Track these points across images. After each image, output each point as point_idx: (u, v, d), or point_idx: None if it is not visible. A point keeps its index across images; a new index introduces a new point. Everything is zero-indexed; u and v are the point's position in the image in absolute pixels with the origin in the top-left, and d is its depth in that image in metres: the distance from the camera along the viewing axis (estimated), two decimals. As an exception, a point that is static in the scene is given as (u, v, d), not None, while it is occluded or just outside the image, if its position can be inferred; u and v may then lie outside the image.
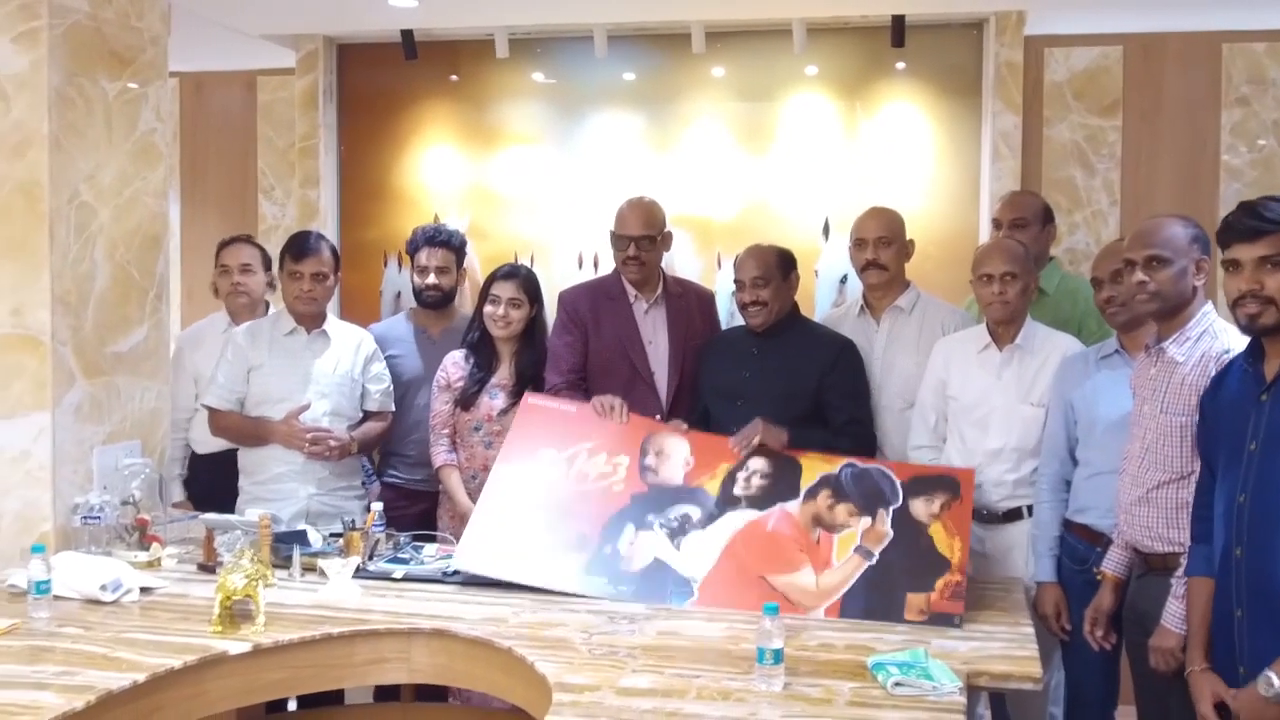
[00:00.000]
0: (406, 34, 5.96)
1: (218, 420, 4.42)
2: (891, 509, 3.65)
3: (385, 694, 4.21)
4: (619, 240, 4.44)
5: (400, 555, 3.91)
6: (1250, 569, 2.74)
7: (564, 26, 5.99)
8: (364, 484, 4.57)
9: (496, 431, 4.32)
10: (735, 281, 4.21)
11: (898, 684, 2.75)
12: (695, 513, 3.77)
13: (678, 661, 3.00)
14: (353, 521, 3.93)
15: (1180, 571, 3.11)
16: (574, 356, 4.35)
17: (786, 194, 5.95)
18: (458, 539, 3.99)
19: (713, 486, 3.83)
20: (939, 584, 3.46)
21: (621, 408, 4.02)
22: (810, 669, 2.92)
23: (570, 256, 6.13)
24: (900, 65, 5.86)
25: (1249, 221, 2.81)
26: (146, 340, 4.31)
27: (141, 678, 2.87)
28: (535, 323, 4.47)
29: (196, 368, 4.70)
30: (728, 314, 5.20)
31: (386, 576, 3.71)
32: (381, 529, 3.93)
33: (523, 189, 6.22)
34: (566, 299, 4.56)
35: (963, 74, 5.82)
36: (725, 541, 3.69)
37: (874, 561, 3.55)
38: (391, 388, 4.59)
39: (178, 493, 4.69)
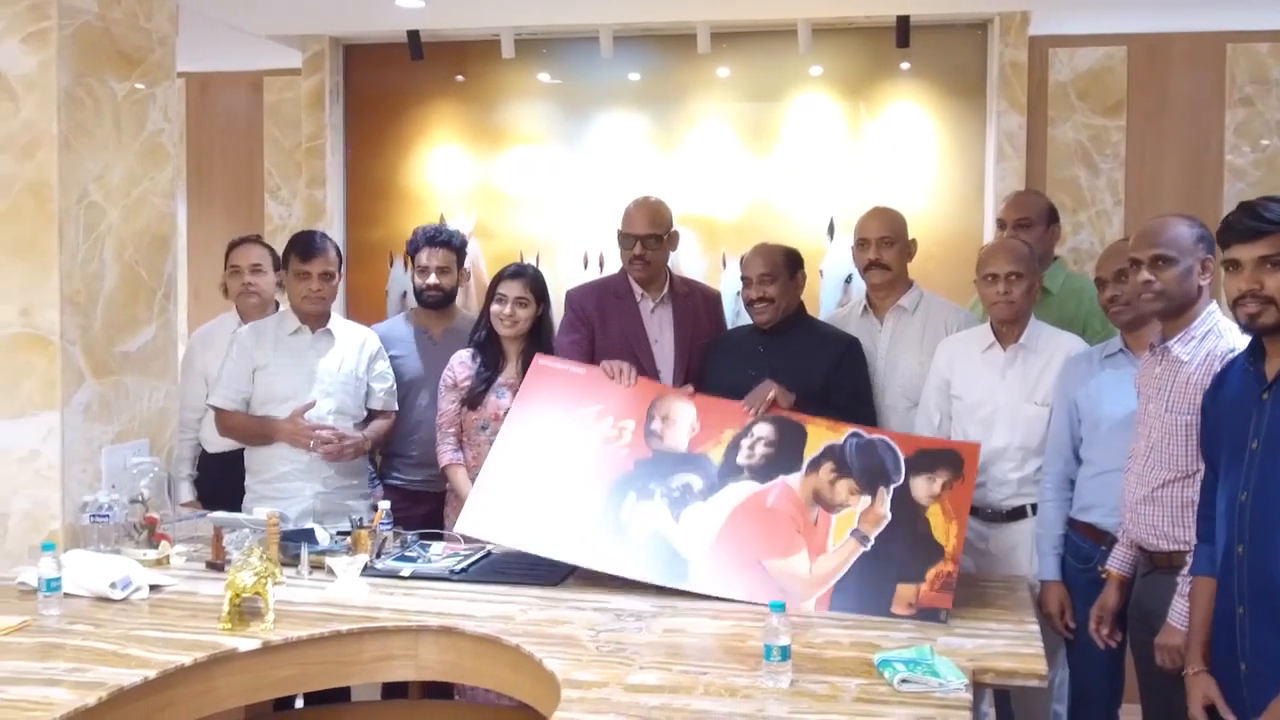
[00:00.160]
0: (413, 34, 5.97)
1: (224, 420, 4.44)
2: (892, 488, 3.66)
3: (392, 691, 4.23)
4: (625, 239, 4.46)
5: (408, 553, 3.93)
6: (1252, 567, 2.76)
7: (569, 27, 6.00)
8: (369, 481, 4.59)
9: (503, 430, 4.34)
10: (742, 278, 4.26)
11: (904, 680, 2.76)
12: (697, 482, 3.80)
13: (685, 658, 3.01)
14: (360, 520, 3.96)
15: (1186, 570, 3.12)
16: (580, 355, 4.36)
17: (791, 194, 5.96)
18: (464, 537, 4.03)
19: (716, 454, 3.85)
20: (930, 574, 3.47)
21: (630, 370, 4.07)
22: (817, 666, 2.93)
23: (576, 256, 6.15)
24: (905, 65, 5.88)
25: (1248, 221, 2.82)
26: (155, 340, 4.33)
27: (152, 674, 2.88)
28: (542, 322, 4.48)
29: (207, 368, 4.70)
30: (733, 314, 5.22)
31: (394, 574, 3.73)
32: (389, 527, 3.95)
33: (529, 189, 6.24)
34: (573, 297, 4.59)
35: (967, 74, 5.83)
36: (724, 518, 3.72)
37: (869, 548, 3.57)
38: (395, 386, 4.60)
39: (188, 492, 4.70)
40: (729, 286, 5.67)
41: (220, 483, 4.61)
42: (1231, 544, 2.81)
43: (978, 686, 2.92)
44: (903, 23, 5.60)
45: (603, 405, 4.00)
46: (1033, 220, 4.67)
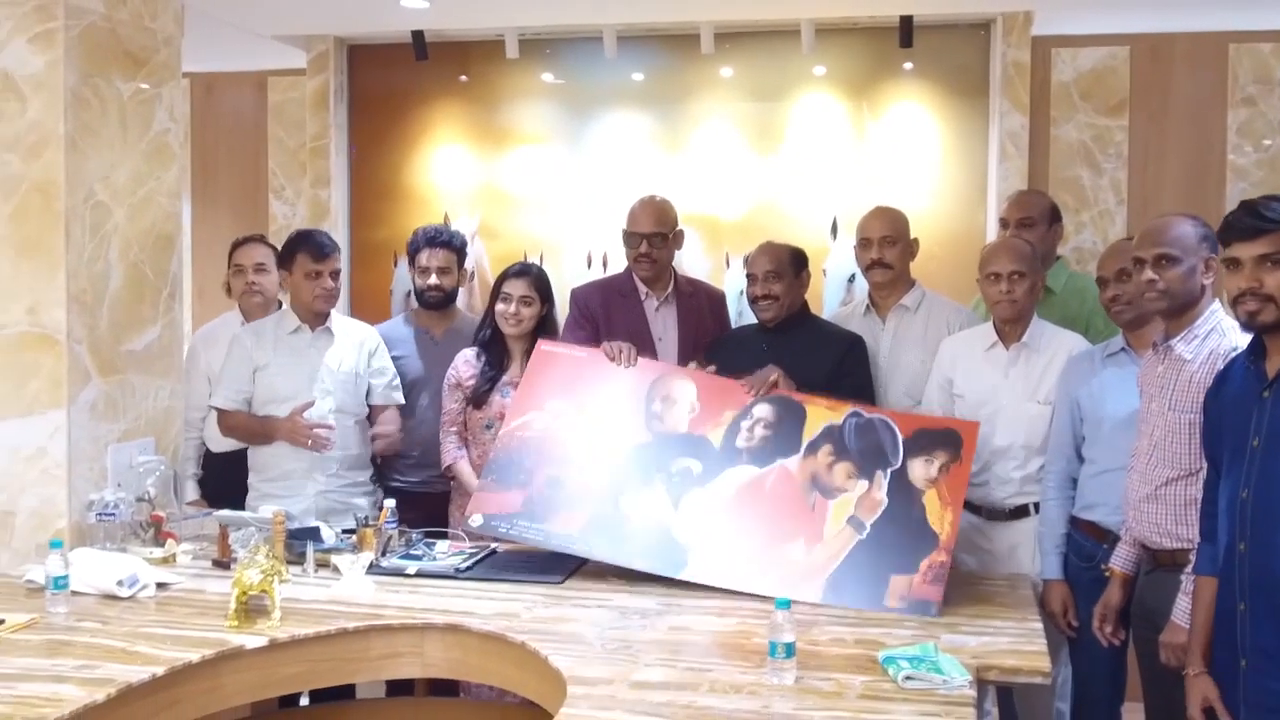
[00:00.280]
0: (417, 35, 5.99)
1: (225, 420, 4.47)
2: (890, 471, 3.67)
3: (397, 689, 4.24)
4: (630, 237, 4.49)
5: (413, 552, 3.95)
6: (1253, 564, 2.77)
7: (574, 27, 6.01)
8: (372, 479, 4.59)
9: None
10: (748, 275, 4.29)
11: (908, 678, 2.77)
12: (696, 466, 3.82)
13: (690, 655, 3.02)
14: (365, 518, 3.97)
15: (1190, 568, 3.14)
16: (585, 353, 4.38)
17: (795, 194, 5.97)
18: (470, 535, 4.05)
19: (716, 436, 3.87)
20: (923, 565, 3.49)
21: (630, 351, 4.09)
22: (821, 663, 2.94)
23: (580, 256, 6.16)
24: (908, 65, 5.88)
25: (1249, 220, 2.83)
26: (160, 339, 4.34)
27: (160, 671, 2.90)
28: (546, 321, 4.49)
29: (211, 367, 4.71)
30: (736, 314, 5.24)
31: (400, 572, 3.74)
32: (394, 525, 3.96)
33: (533, 189, 6.26)
34: (579, 295, 4.62)
35: (970, 74, 5.84)
36: (723, 505, 3.75)
37: (864, 536, 3.59)
38: (398, 380, 4.60)
39: (193, 491, 4.71)
40: (733, 286, 5.68)
41: (225, 481, 4.62)
42: (1233, 541, 2.82)
43: (982, 684, 2.93)
44: (906, 23, 5.61)
45: (604, 389, 4.02)
46: (1035, 219, 4.68)
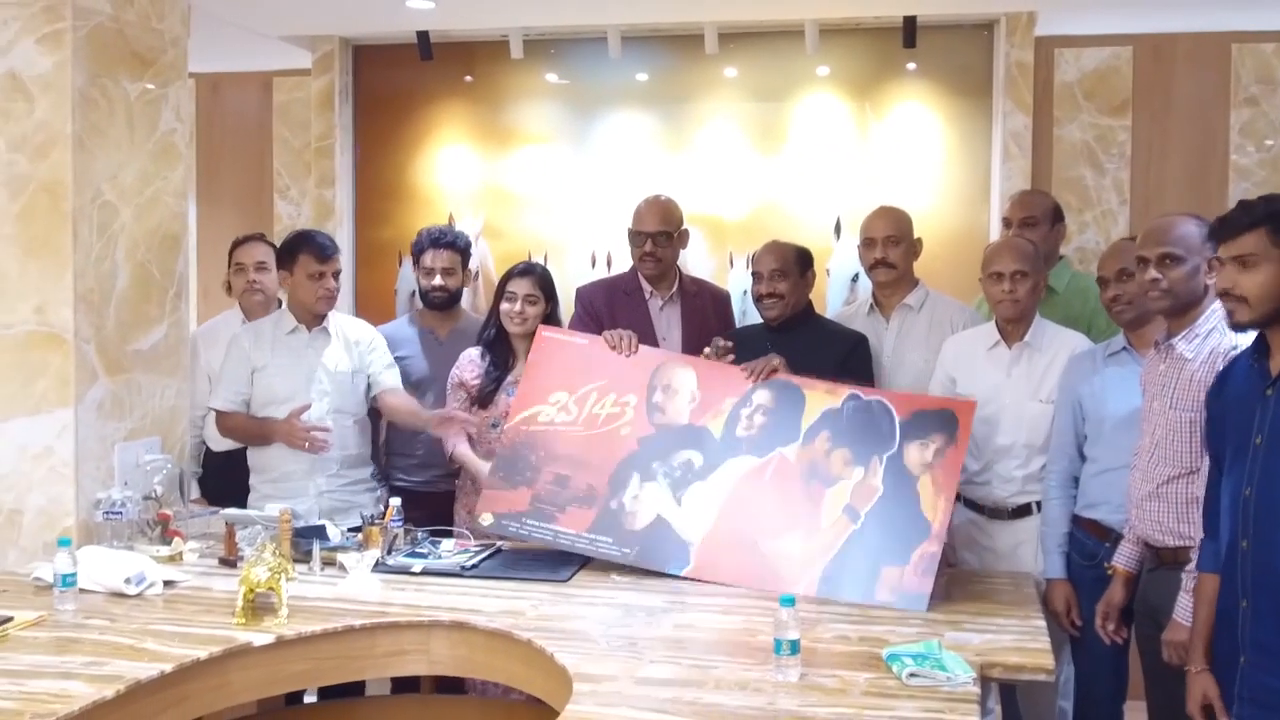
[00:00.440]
0: (422, 35, 6.00)
1: (223, 421, 4.49)
2: (886, 456, 3.69)
3: (402, 686, 4.25)
4: (636, 236, 4.51)
5: (418, 550, 3.96)
6: (1255, 561, 2.78)
7: (578, 27, 6.03)
8: (373, 476, 4.60)
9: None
10: (753, 274, 4.32)
11: (912, 675, 2.78)
12: (697, 459, 3.86)
13: (695, 652, 3.04)
14: (371, 516, 3.99)
15: (1192, 566, 3.15)
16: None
17: (798, 193, 5.99)
18: (475, 533, 4.09)
19: (717, 426, 3.90)
20: (914, 555, 3.52)
21: (631, 339, 4.10)
22: (826, 660, 2.95)
23: (584, 255, 6.17)
24: (911, 66, 5.90)
25: (1232, 218, 2.86)
26: (166, 338, 4.36)
27: (168, 668, 2.91)
28: (550, 320, 4.50)
29: (211, 365, 4.72)
30: (740, 314, 5.25)
31: (405, 571, 3.76)
32: (400, 524, 3.98)
33: (537, 188, 6.27)
34: (583, 294, 4.65)
35: (973, 74, 5.85)
36: (723, 497, 3.79)
37: (859, 526, 3.62)
38: (394, 364, 4.60)
39: (193, 490, 4.72)
40: (736, 286, 5.70)
41: (225, 480, 4.63)
42: (1235, 539, 2.84)
43: (985, 681, 2.94)
44: (909, 23, 5.62)
45: (605, 380, 4.05)
46: (1038, 219, 4.70)
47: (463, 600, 3.48)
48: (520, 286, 4.40)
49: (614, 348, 4.09)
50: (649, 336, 4.44)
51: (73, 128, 3.90)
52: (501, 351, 4.46)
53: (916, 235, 4.45)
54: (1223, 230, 2.88)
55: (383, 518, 3.96)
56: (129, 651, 3.01)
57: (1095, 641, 3.64)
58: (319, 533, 3.88)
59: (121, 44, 4.12)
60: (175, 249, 4.42)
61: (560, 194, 6.24)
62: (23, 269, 3.91)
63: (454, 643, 3.34)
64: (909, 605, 3.43)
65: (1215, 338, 3.30)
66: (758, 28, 5.93)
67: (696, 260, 5.95)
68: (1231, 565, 2.85)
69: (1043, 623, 3.31)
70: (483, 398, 4.41)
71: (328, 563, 3.79)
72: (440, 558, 3.90)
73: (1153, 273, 3.34)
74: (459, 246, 4.81)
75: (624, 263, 4.69)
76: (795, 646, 2.82)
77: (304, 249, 4.43)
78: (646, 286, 4.58)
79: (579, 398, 4.03)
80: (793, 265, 4.25)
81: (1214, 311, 3.32)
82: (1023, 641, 3.13)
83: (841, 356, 4.16)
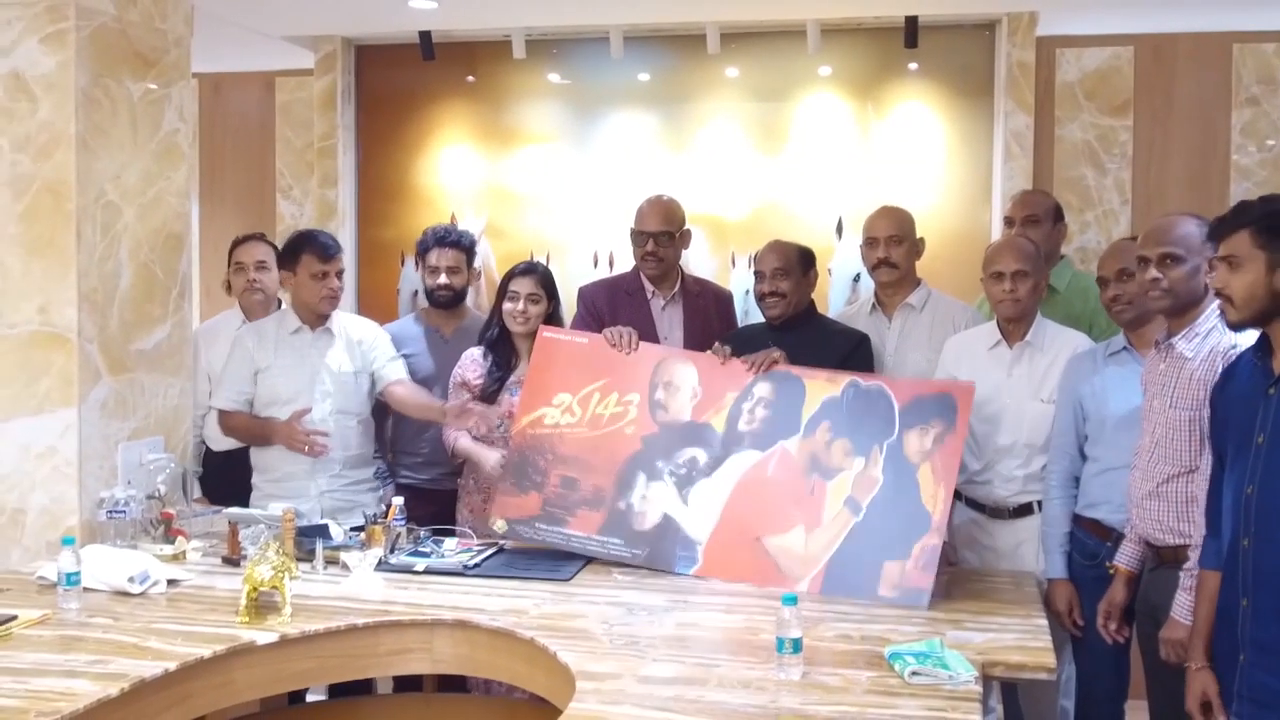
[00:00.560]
0: (424, 35, 6.01)
1: (226, 421, 4.50)
2: (885, 444, 3.71)
3: (403, 684, 4.26)
4: (638, 236, 4.53)
5: (421, 549, 3.97)
6: (1257, 560, 2.79)
7: (580, 27, 6.04)
8: (377, 475, 4.61)
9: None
10: (755, 273, 4.33)
11: (914, 673, 2.79)
12: (702, 456, 3.89)
13: (697, 651, 3.04)
14: (374, 515, 3.99)
15: (1189, 564, 3.16)
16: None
17: (800, 193, 5.99)
18: (478, 532, 4.11)
19: (719, 421, 3.92)
20: (915, 549, 3.54)
21: (631, 336, 4.12)
22: (828, 658, 2.96)
23: (586, 255, 6.18)
24: (913, 66, 5.90)
25: (1225, 219, 2.90)
26: (169, 338, 4.37)
27: (172, 666, 2.92)
28: (552, 319, 4.50)
29: (211, 364, 4.73)
30: (742, 313, 5.25)
31: (408, 569, 3.77)
32: (402, 523, 3.99)
33: (539, 188, 6.28)
34: (586, 294, 4.67)
35: (975, 74, 5.86)
36: (728, 494, 3.82)
37: (860, 518, 3.65)
38: (398, 357, 4.60)
39: (195, 489, 4.73)
40: (738, 286, 5.70)
41: (225, 480, 4.64)
42: (1237, 537, 2.84)
43: (987, 679, 2.95)
44: (911, 23, 5.63)
45: (607, 379, 4.07)
46: (1040, 217, 4.71)
47: (465, 599, 3.49)
48: (523, 285, 4.41)
49: (614, 345, 4.10)
50: (651, 336, 4.45)
51: (76, 128, 3.91)
52: (504, 351, 4.47)
53: (919, 235, 4.45)
54: (1218, 230, 2.91)
55: (385, 517, 3.97)
56: (133, 650, 3.02)
57: (1096, 641, 3.65)
58: (322, 532, 3.89)
59: (125, 44, 4.12)
60: (178, 249, 4.43)
61: (562, 194, 6.24)
62: (26, 269, 3.92)
63: (457, 641, 3.35)
64: (911, 601, 3.45)
65: (1215, 337, 3.30)
66: (759, 28, 5.94)
67: (698, 260, 5.95)
68: (1232, 563, 2.86)
69: (1044, 622, 3.32)
70: (486, 397, 4.41)
71: (331, 561, 3.79)
72: (443, 557, 3.90)
73: (1153, 272, 3.35)
74: (464, 245, 4.83)
75: (626, 262, 4.70)
76: (798, 645, 2.83)
77: (307, 249, 4.43)
78: (648, 286, 4.59)
79: (582, 398, 4.05)
80: (795, 264, 4.26)
81: (1214, 311, 3.32)
82: (1024, 640, 3.14)
83: (843, 356, 4.16)
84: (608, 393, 4.05)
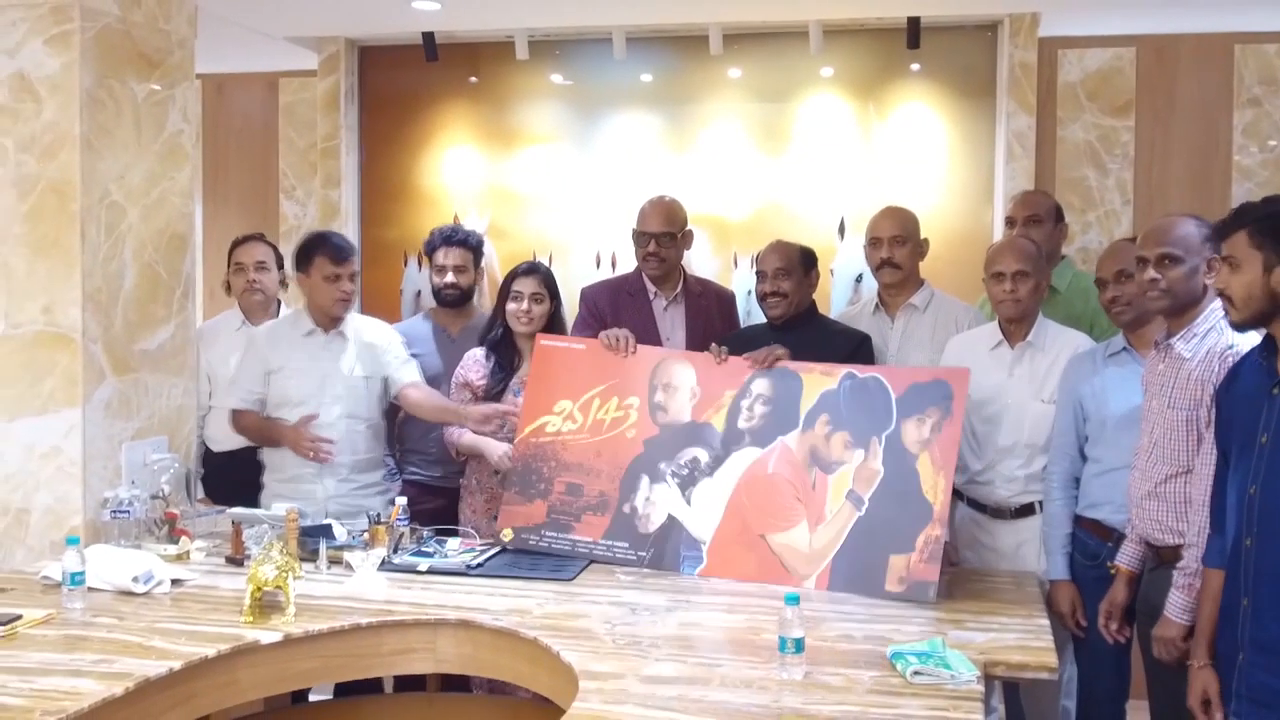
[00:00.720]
0: (427, 36, 6.02)
1: (237, 420, 4.51)
2: (884, 436, 3.72)
3: (406, 684, 4.27)
4: (640, 237, 4.54)
5: (424, 549, 3.98)
6: (1259, 559, 2.79)
7: (583, 28, 6.04)
8: (386, 477, 4.61)
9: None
10: (757, 273, 4.35)
11: (916, 673, 2.79)
12: (703, 455, 3.92)
13: (700, 650, 3.05)
14: (378, 515, 4.00)
15: (1183, 563, 3.18)
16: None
17: (802, 194, 6.00)
18: (480, 531, 4.14)
19: (719, 420, 3.95)
20: (919, 541, 3.55)
21: (628, 339, 4.13)
22: (830, 658, 2.96)
23: (589, 255, 6.19)
24: (915, 66, 5.91)
25: (1226, 220, 2.93)
26: (173, 338, 4.38)
27: (177, 665, 2.93)
28: (554, 318, 4.51)
29: (210, 365, 4.73)
30: (745, 314, 5.26)
31: (412, 569, 3.78)
32: (405, 523, 4.00)
33: (542, 189, 6.29)
34: (588, 294, 4.68)
35: (977, 75, 5.86)
36: (730, 492, 3.84)
37: (863, 512, 3.66)
38: (411, 360, 4.58)
39: (198, 489, 4.73)
40: (741, 286, 5.71)
41: (225, 481, 4.65)
42: (1239, 536, 2.85)
43: (989, 679, 2.96)
44: (913, 24, 5.63)
45: (607, 384, 4.09)
46: (1041, 217, 4.73)
47: (468, 599, 3.50)
48: (526, 285, 4.41)
49: (611, 348, 4.11)
50: (653, 337, 4.46)
51: (80, 128, 3.92)
52: (507, 352, 4.47)
53: (923, 236, 4.46)
54: (1220, 231, 2.93)
55: (389, 517, 3.98)
56: (137, 649, 3.02)
57: (1098, 641, 3.65)
58: (325, 531, 3.90)
59: (129, 45, 4.14)
60: (182, 249, 4.44)
61: (565, 194, 6.25)
62: (31, 269, 3.93)
63: (460, 641, 3.36)
64: (918, 595, 3.47)
65: (1213, 338, 3.31)
66: (762, 28, 5.94)
67: (701, 260, 5.96)
68: (1235, 562, 2.87)
69: (1046, 622, 3.32)
70: (489, 398, 4.41)
71: (334, 561, 3.80)
72: (446, 556, 3.91)
73: (1151, 273, 3.36)
74: (471, 244, 4.85)
75: (629, 263, 4.71)
76: (800, 645, 2.83)
77: (320, 250, 4.42)
78: (651, 287, 4.60)
79: (583, 405, 4.07)
80: (796, 264, 4.27)
81: (1212, 311, 3.34)
82: (1026, 640, 3.14)
83: (845, 356, 4.16)
84: (608, 397, 4.07)
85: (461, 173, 6.37)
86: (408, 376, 4.51)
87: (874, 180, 5.87)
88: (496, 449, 4.24)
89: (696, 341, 4.47)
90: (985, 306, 4.47)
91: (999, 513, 4.02)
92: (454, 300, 4.82)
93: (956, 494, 4.00)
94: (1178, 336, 3.37)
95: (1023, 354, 4.00)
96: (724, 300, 4.81)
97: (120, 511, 3.95)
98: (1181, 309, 3.37)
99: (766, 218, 5.98)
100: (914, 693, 2.74)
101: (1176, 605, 3.17)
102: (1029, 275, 3.93)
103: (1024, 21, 5.64)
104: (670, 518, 3.88)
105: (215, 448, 4.74)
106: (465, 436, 4.38)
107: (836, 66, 5.99)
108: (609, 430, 4.03)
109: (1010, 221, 4.85)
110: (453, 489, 4.62)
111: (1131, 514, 3.50)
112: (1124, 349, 3.74)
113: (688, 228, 4.64)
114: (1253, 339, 3.02)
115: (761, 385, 3.94)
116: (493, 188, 6.34)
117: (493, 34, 6.14)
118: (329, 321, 4.47)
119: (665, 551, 3.84)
